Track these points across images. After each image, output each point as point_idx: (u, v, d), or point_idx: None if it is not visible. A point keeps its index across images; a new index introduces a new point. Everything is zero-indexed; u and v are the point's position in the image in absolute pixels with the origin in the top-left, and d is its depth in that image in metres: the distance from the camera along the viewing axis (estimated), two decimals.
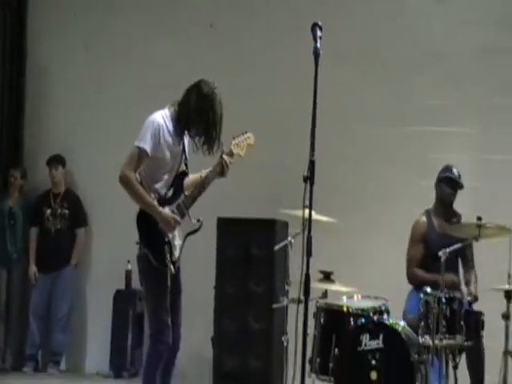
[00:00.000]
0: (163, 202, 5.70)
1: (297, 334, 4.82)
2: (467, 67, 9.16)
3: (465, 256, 7.56)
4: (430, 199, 7.69)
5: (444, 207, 7.57)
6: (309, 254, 4.58)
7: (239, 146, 5.82)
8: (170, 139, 5.70)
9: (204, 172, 5.84)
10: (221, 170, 5.77)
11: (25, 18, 10.36)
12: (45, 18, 10.38)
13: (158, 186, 5.74)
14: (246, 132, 5.90)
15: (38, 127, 10.32)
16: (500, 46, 9.09)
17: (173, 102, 5.78)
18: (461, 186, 7.53)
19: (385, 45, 9.37)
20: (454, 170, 7.57)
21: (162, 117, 5.71)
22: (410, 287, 7.48)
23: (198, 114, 5.68)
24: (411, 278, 7.46)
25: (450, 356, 6.96)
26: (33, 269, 9.73)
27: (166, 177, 5.77)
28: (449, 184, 7.54)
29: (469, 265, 7.60)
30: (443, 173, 7.56)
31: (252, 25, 9.67)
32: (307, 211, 4.65)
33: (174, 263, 5.73)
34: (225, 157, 5.75)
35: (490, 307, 7.10)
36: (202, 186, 5.83)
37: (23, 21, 10.33)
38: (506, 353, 6.82)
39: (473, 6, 9.17)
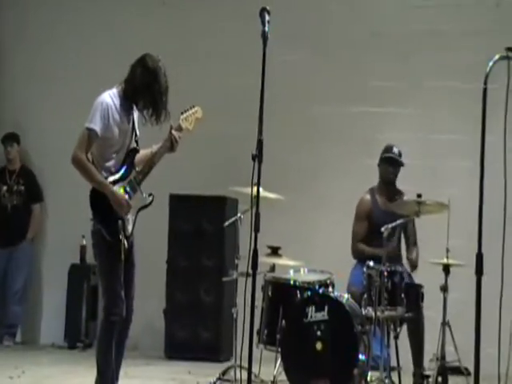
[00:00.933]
0: (115, 179, 5.71)
1: (245, 307, 4.86)
2: (412, 49, 9.22)
3: (407, 231, 7.65)
4: (375, 178, 7.72)
5: (386, 185, 7.62)
6: (257, 229, 4.62)
7: (187, 120, 5.82)
8: (118, 117, 5.69)
9: (154, 147, 5.84)
10: (170, 144, 5.77)
11: None
12: None
13: (109, 164, 5.73)
14: (193, 106, 5.88)
15: None
16: (442, 28, 9.17)
17: (120, 81, 5.79)
18: (401, 164, 7.58)
19: (333, 26, 9.40)
20: (395, 150, 7.60)
21: (110, 96, 5.70)
22: (354, 261, 7.52)
23: (144, 86, 5.67)
24: (355, 253, 7.52)
25: (392, 326, 7.00)
26: None
27: (116, 155, 5.78)
28: (389, 163, 7.58)
29: (411, 240, 7.66)
30: (384, 153, 7.60)
31: (203, 2, 9.65)
32: (256, 189, 4.71)
33: (127, 238, 5.75)
34: (174, 132, 5.75)
35: (429, 280, 7.17)
36: (152, 161, 5.83)
37: None
38: (444, 323, 6.93)
39: None
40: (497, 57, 4.15)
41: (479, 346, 4.07)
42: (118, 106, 5.70)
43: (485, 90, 4.03)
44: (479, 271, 4.08)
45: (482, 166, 4.06)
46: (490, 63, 4.08)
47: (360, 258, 7.42)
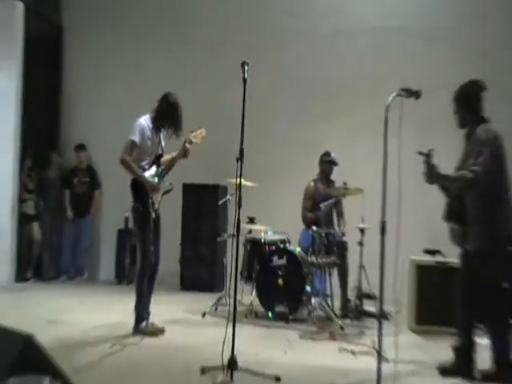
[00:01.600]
0: (150, 174, 5.80)
1: (232, 257, 4.89)
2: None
3: (337, 207, 7.66)
4: (313, 171, 7.70)
5: (325, 177, 7.64)
6: (239, 206, 4.63)
7: (196, 137, 5.85)
8: (150, 134, 5.77)
9: (173, 154, 5.91)
10: (183, 153, 5.82)
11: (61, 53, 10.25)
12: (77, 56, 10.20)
13: (143, 163, 5.78)
14: (200, 127, 5.91)
15: (68, 124, 10.20)
16: (353, 27, 9.18)
17: (151, 110, 5.83)
18: (336, 164, 7.62)
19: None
20: (332, 154, 7.62)
21: (145, 119, 5.80)
22: (303, 226, 7.53)
23: (168, 116, 5.76)
24: (304, 220, 7.54)
25: (327, 269, 7.06)
26: (70, 214, 9.69)
27: (148, 158, 5.82)
28: (329, 164, 7.62)
29: (340, 213, 7.68)
30: (324, 157, 7.62)
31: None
32: (239, 179, 4.72)
33: (155, 211, 5.79)
34: (187, 145, 5.80)
35: (351, 238, 7.20)
36: (172, 163, 5.94)
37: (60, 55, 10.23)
38: (361, 266, 6.99)
39: None
40: (394, 94, 4.16)
41: (383, 280, 4.10)
42: (150, 126, 5.77)
43: (386, 117, 4.05)
44: (382, 232, 4.11)
45: (384, 166, 4.09)
46: (390, 98, 4.09)
47: (307, 224, 7.44)
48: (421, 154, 4.50)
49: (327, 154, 7.66)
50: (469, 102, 4.73)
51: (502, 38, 8.68)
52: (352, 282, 7.24)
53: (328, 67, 9.24)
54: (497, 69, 8.26)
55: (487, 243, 4.53)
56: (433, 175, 4.50)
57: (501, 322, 4.63)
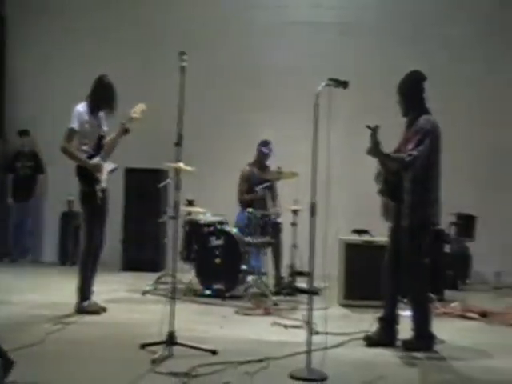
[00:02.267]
0: (91, 155, 5.65)
1: (172, 238, 4.82)
2: None
3: (272, 190, 7.67)
4: (250, 156, 7.72)
5: (260, 163, 7.66)
6: (178, 188, 4.59)
7: (136, 112, 5.73)
8: (87, 118, 5.65)
9: (113, 134, 5.80)
10: (123, 131, 5.74)
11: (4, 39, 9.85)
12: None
13: (85, 147, 5.66)
14: (138, 103, 5.80)
15: (12, 109, 9.85)
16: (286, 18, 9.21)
17: (87, 96, 5.72)
18: (271, 151, 7.65)
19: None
20: (269, 145, 7.60)
21: (82, 106, 5.68)
22: (239, 208, 7.54)
23: (103, 97, 5.69)
24: (240, 202, 7.54)
25: (262, 248, 7.09)
26: (10, 201, 9.43)
27: (90, 141, 5.69)
28: (264, 151, 7.64)
29: (275, 195, 7.70)
30: (261, 145, 7.63)
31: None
32: (178, 164, 4.66)
33: (103, 191, 5.67)
34: (125, 123, 5.72)
35: (285, 219, 7.27)
36: (113, 143, 5.82)
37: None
38: (293, 246, 7.06)
39: None
40: (323, 84, 4.17)
41: (313, 258, 4.13)
42: (87, 110, 5.65)
43: (316, 106, 4.05)
44: (313, 213, 4.12)
45: (314, 151, 4.10)
46: (319, 88, 4.10)
47: (243, 205, 7.45)
48: (368, 127, 4.55)
49: (263, 142, 7.64)
50: (411, 92, 4.81)
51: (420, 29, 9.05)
52: (286, 260, 7.30)
53: (262, 56, 9.29)
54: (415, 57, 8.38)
55: (418, 223, 4.66)
56: (376, 150, 4.59)
57: (421, 296, 4.77)
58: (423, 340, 4.71)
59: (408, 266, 4.69)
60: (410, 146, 4.63)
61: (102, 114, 5.78)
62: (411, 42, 9.02)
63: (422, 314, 4.73)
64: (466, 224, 8.49)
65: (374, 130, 4.54)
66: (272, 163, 7.53)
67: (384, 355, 4.56)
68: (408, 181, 4.70)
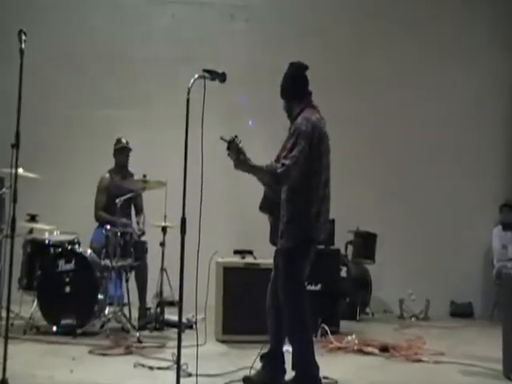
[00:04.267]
0: None
1: (7, 261, 4.69)
2: None
3: (136, 203, 7.69)
4: (109, 162, 7.73)
5: (120, 168, 7.65)
6: (15, 201, 4.36)
7: None
8: None
9: None
10: None
11: None
12: None
13: None
14: None
15: None
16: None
17: None
18: (130, 149, 7.67)
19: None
20: (123, 140, 7.71)
21: None
22: (96, 224, 7.49)
23: None
24: (97, 218, 7.51)
25: (124, 273, 7.08)
26: None
27: None
28: (121, 151, 7.65)
29: (139, 209, 7.72)
30: (116, 144, 7.72)
31: None
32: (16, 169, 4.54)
33: None
34: None
35: (152, 238, 7.27)
36: None
37: None
38: (162, 269, 7.09)
39: None
40: (196, 76, 4.23)
41: (182, 285, 4.15)
42: None
43: (188, 100, 4.11)
44: (183, 231, 4.14)
45: (185, 155, 4.14)
46: (192, 80, 4.16)
47: (100, 222, 7.42)
48: (223, 139, 4.50)
49: (119, 140, 7.75)
50: (288, 88, 4.87)
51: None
52: (153, 288, 7.31)
53: (125, 47, 9.39)
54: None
55: (294, 241, 4.68)
56: (240, 164, 4.51)
57: (299, 329, 4.73)
58: (306, 381, 4.69)
59: (282, 294, 4.69)
60: (284, 154, 4.61)
61: None
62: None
63: (301, 350, 4.72)
64: (364, 243, 8.81)
65: (231, 142, 4.48)
66: (136, 168, 7.56)
67: None
68: (284, 191, 4.69)
